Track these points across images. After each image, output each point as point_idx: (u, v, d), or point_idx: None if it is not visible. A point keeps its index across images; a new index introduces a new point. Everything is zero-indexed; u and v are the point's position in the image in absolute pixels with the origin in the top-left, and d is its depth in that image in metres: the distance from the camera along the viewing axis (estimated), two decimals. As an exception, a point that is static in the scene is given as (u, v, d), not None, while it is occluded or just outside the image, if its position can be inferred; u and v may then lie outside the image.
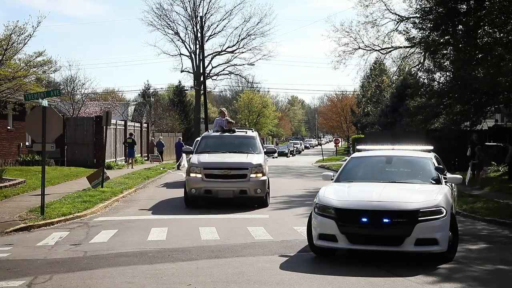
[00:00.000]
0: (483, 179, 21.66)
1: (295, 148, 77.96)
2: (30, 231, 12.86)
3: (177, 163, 33.17)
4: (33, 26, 22.02)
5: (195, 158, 17.10)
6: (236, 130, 19.08)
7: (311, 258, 9.81)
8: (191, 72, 62.52)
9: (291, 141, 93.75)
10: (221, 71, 64.18)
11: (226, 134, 18.47)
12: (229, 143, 18.04)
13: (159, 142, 41.46)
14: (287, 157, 65.15)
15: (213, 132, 19.29)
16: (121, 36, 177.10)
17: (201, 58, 56.29)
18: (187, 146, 21.31)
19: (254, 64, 73.54)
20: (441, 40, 26.34)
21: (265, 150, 18.20)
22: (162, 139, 42.54)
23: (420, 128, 30.27)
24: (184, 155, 28.05)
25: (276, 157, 62.10)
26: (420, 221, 8.97)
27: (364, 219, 9.10)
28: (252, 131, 19.16)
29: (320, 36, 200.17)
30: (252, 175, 16.42)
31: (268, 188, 17.49)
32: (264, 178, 16.62)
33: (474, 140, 23.48)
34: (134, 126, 39.08)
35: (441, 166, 11.18)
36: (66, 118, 31.88)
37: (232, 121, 18.84)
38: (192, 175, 16.60)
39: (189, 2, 60.93)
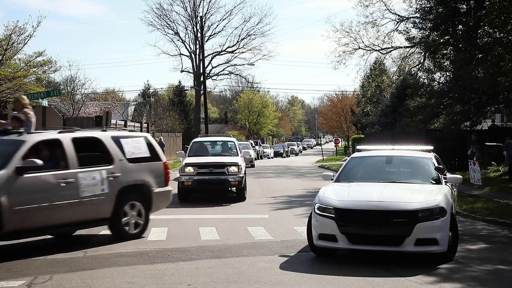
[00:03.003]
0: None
1: (290, 149, 73.14)
2: (30, 231, 12.84)
3: None
4: (33, 26, 22.09)
5: None
6: (17, 130, 10.99)
7: (311, 258, 9.81)
8: (191, 72, 62.54)
9: (287, 142, 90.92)
10: (221, 71, 64.25)
11: None
12: None
13: (159, 142, 41.56)
14: (283, 157, 64.88)
15: None
16: (121, 36, 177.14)
17: (201, 58, 56.36)
18: None
19: (254, 64, 73.49)
20: (441, 40, 26.33)
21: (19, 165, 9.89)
22: (163, 139, 42.62)
23: (420, 128, 30.26)
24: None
25: (273, 158, 62.24)
26: (420, 221, 8.98)
27: (364, 219, 9.11)
28: (42, 132, 11.47)
29: (320, 36, 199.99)
30: None
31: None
32: None
33: (474, 139, 23.51)
34: (134, 126, 39.06)
35: (441, 166, 11.19)
36: (66, 118, 31.84)
37: (20, 115, 11.47)
38: None
39: (189, 2, 60.97)
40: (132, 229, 11.76)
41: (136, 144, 12.26)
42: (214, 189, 19.15)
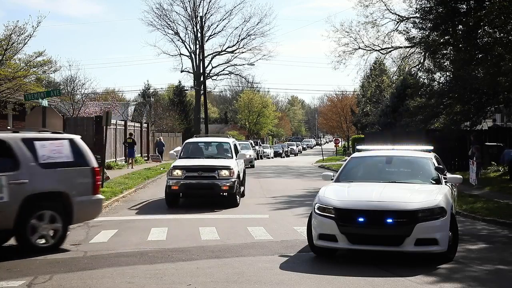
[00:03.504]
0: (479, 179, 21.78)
1: (289, 149, 73.04)
2: (30, 231, 12.82)
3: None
4: (33, 26, 22.01)
5: None
6: None
7: (311, 258, 9.81)
8: (191, 72, 62.60)
9: (287, 142, 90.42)
10: (221, 71, 64.36)
11: None
12: None
13: (159, 142, 41.59)
14: (281, 157, 64.80)
15: None
16: (121, 36, 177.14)
17: (201, 58, 56.35)
18: None
19: (254, 64, 73.71)
20: (441, 40, 26.33)
21: None
22: (162, 139, 42.63)
23: (420, 128, 30.26)
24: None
25: (273, 158, 62.26)
26: (420, 221, 8.99)
27: (364, 219, 9.11)
28: None
29: (320, 36, 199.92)
30: None
31: None
32: None
33: (473, 140, 23.54)
34: (134, 126, 39.07)
35: (441, 166, 11.20)
36: (66, 118, 31.83)
37: None
38: None
39: (189, 2, 61.07)
40: (42, 241, 10.47)
41: (55, 147, 10.82)
42: (203, 194, 17.97)
